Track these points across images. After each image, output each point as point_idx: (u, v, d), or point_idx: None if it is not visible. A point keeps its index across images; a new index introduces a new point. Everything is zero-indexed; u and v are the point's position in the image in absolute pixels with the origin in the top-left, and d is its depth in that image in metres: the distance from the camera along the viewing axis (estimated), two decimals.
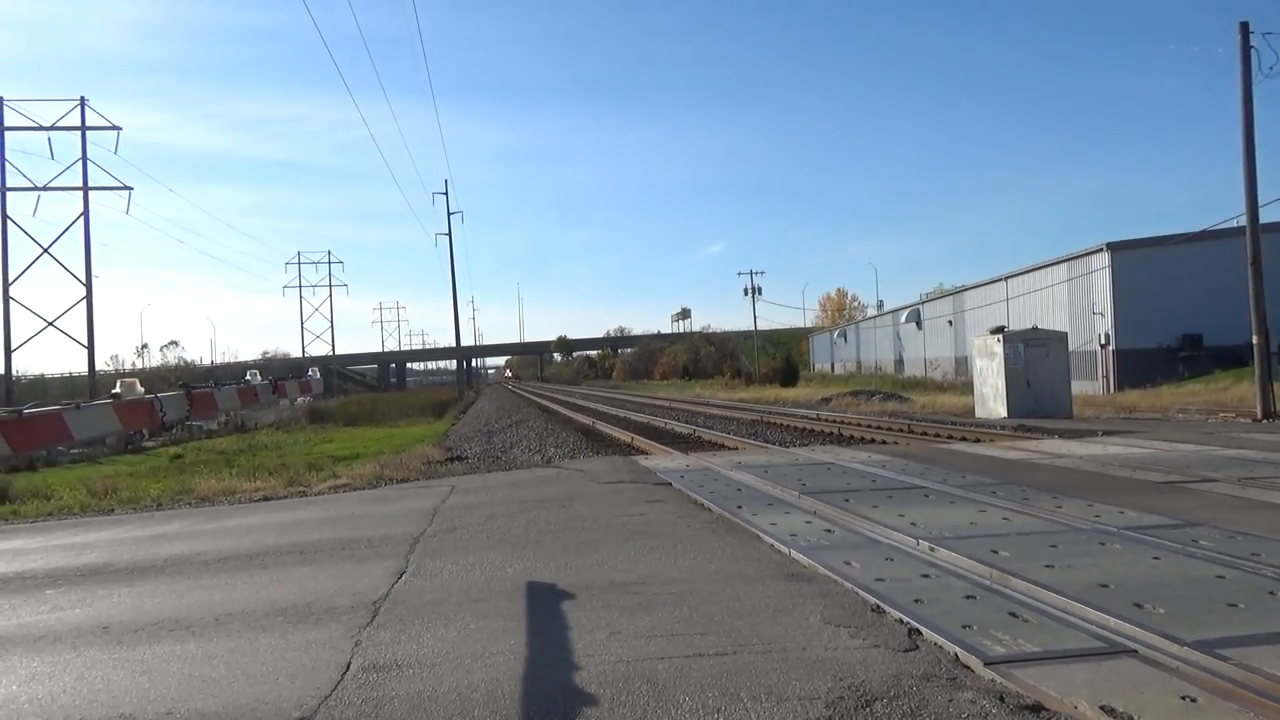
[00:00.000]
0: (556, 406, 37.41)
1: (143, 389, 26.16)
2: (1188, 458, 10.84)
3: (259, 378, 37.64)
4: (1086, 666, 3.64)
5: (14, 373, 39.95)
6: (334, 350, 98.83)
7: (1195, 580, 4.92)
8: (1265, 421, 17.27)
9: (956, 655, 3.87)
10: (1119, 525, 6.55)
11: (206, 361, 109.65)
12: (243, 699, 3.79)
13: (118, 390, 25.03)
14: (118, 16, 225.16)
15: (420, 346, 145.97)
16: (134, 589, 6.15)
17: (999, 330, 21.95)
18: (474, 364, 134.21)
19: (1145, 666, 3.64)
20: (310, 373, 48.51)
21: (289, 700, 3.74)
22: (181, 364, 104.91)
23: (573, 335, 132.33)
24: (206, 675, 4.14)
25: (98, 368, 43.62)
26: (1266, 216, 19.45)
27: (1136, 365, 31.06)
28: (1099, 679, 3.49)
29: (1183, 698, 3.29)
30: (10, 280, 38.12)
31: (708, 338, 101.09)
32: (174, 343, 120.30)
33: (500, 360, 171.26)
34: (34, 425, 18.31)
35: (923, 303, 55.63)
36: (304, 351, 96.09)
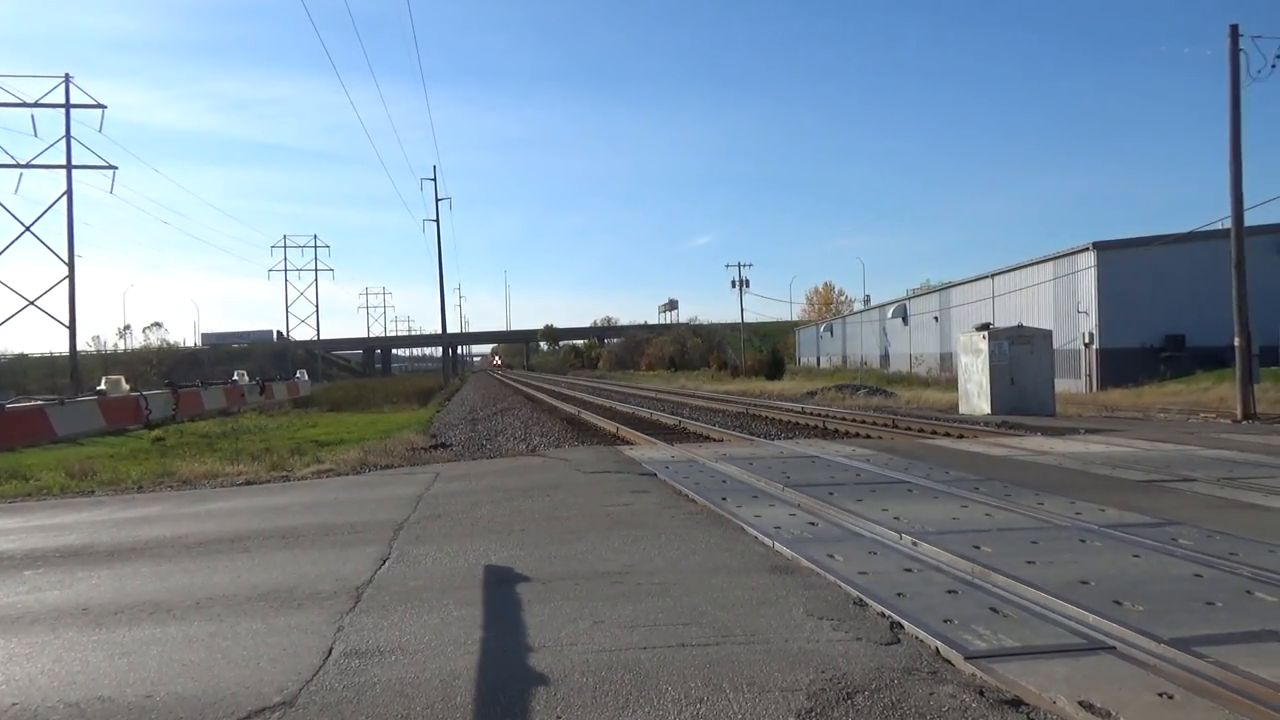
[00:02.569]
0: (542, 395, 37.37)
1: (128, 386, 25.85)
2: (1168, 457, 10.93)
3: (245, 378, 37.31)
4: (1066, 662, 3.67)
5: None
6: (319, 335, 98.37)
7: (1174, 578, 4.97)
8: (1245, 422, 17.43)
9: (937, 649, 3.90)
10: (1100, 523, 6.60)
11: (190, 344, 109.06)
12: (223, 682, 3.77)
13: (103, 387, 24.74)
14: None
15: (406, 333, 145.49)
16: (114, 571, 6.11)
17: (984, 327, 22.06)
18: (460, 351, 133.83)
19: (1124, 663, 3.68)
20: (299, 374, 48.16)
21: (270, 684, 3.72)
22: (164, 346, 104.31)
23: (559, 324, 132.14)
24: (187, 659, 4.11)
25: (79, 348, 43.24)
26: (1252, 219, 19.63)
27: (1120, 364, 31.31)
28: (1078, 675, 3.52)
29: (1160, 694, 3.33)
30: None
31: (694, 329, 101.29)
32: (157, 324, 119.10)
33: (486, 348, 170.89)
34: (16, 421, 18.25)
35: (909, 298, 55.83)
36: (288, 335, 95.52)
